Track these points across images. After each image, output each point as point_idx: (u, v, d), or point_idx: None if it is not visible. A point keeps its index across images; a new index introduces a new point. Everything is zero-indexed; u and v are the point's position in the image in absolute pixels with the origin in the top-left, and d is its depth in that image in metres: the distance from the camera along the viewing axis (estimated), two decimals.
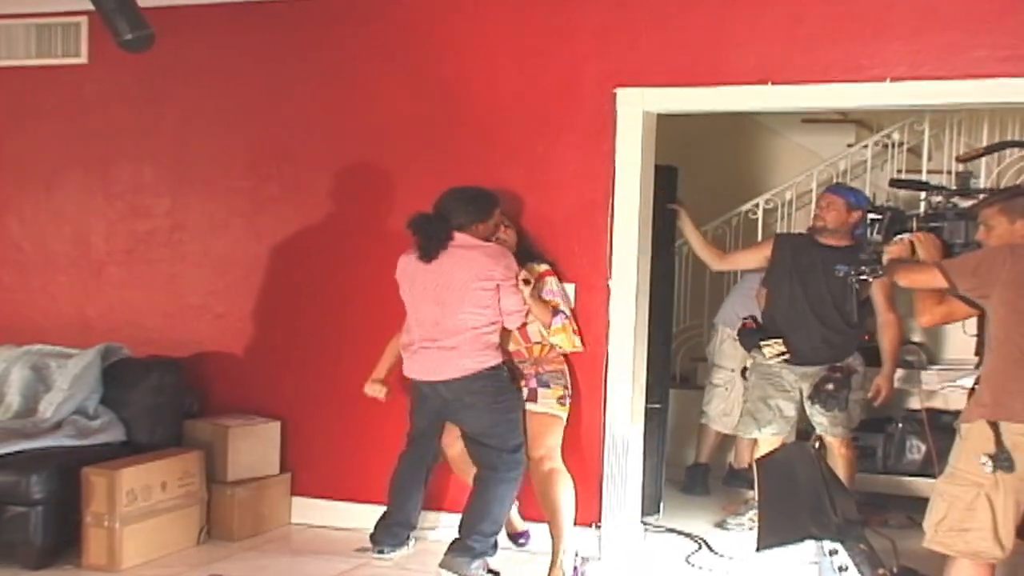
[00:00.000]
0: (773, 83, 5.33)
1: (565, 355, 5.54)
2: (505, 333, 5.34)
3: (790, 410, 5.97)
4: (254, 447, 6.07)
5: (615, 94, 5.57)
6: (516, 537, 5.72)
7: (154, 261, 6.58)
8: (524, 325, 5.34)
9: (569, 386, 5.47)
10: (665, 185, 6.09)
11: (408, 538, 5.46)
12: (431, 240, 5.10)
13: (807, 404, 5.91)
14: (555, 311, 5.35)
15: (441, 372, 5.15)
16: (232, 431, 5.95)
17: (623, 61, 5.57)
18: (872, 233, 4.94)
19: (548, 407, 5.35)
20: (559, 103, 5.70)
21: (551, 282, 5.47)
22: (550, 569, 5.16)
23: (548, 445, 5.31)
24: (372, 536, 5.38)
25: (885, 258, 4.76)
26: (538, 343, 5.43)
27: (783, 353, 5.87)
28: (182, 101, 6.46)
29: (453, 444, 5.43)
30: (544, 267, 5.49)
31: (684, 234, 6.51)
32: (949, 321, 4.65)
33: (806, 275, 5.88)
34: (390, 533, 5.37)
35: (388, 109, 6.04)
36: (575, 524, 5.41)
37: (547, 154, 5.72)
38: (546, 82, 5.72)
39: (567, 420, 5.44)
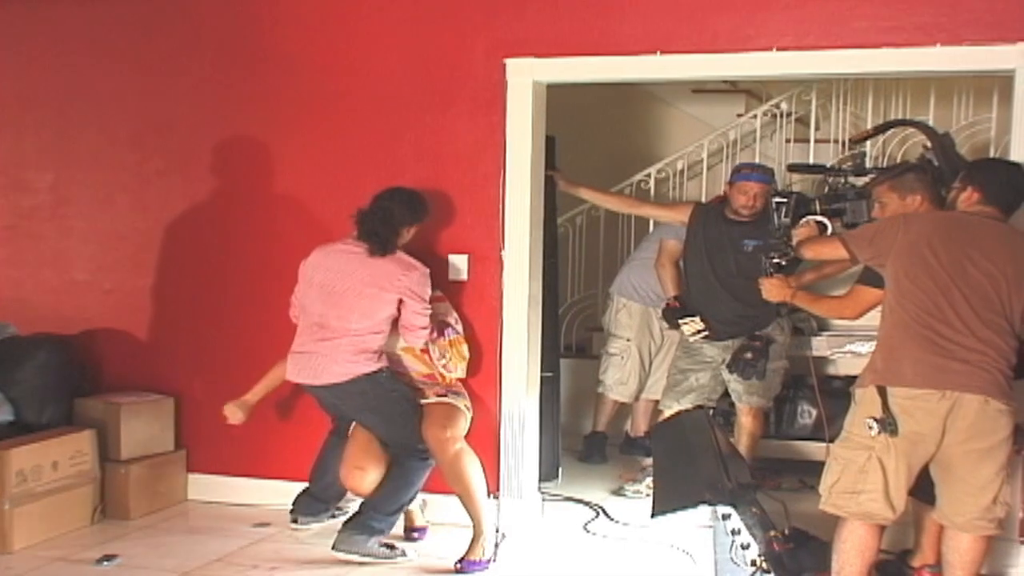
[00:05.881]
0: (662, 53, 5.35)
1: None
2: (414, 357, 5.37)
3: (705, 379, 6.01)
4: (148, 424, 5.99)
5: (505, 64, 5.56)
6: (412, 531, 5.58)
7: (38, 237, 6.44)
8: (427, 350, 5.35)
9: (470, 405, 5.46)
10: (544, 155, 5.98)
11: (326, 511, 5.53)
12: (384, 241, 5.11)
13: (724, 372, 5.96)
14: (444, 325, 5.39)
15: (316, 376, 5.14)
16: (124, 408, 5.86)
17: (512, 31, 5.56)
18: (780, 217, 5.00)
19: (451, 400, 5.35)
20: (448, 74, 5.67)
21: (443, 307, 5.49)
22: (471, 545, 5.10)
23: (453, 428, 5.26)
24: (291, 508, 5.52)
25: (795, 240, 4.87)
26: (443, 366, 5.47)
27: (702, 330, 5.94)
28: (62, 72, 6.31)
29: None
30: (437, 292, 5.45)
31: (580, 196, 6.54)
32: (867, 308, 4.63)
33: (714, 251, 5.93)
34: (304, 504, 5.51)
35: (274, 80, 5.96)
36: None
37: (437, 125, 5.69)
38: (434, 52, 5.68)
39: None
